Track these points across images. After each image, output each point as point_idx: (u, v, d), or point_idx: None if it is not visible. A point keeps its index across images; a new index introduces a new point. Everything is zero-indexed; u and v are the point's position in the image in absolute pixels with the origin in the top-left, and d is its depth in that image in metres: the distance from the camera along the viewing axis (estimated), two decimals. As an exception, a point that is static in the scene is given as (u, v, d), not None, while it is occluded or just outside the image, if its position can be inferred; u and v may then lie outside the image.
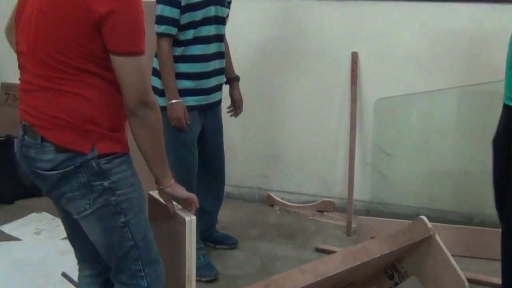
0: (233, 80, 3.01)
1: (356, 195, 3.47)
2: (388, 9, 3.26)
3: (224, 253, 3.13)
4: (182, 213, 1.85)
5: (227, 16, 2.84)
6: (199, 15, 2.64)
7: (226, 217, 3.35)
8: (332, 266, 2.14)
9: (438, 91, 3.26)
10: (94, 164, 1.64)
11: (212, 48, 2.74)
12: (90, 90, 1.62)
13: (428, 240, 2.42)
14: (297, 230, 3.41)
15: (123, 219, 1.71)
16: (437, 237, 2.41)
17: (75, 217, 1.71)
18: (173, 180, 1.80)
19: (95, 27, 1.55)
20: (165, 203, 1.85)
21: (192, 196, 1.85)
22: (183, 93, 2.70)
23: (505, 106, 2.39)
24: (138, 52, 1.59)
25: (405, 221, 3.06)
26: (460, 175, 3.35)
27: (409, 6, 3.22)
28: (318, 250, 3.15)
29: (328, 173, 3.64)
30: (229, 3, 2.84)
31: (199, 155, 2.88)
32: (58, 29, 1.56)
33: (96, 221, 1.70)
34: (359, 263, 2.18)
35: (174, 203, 1.87)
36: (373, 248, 2.26)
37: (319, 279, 2.08)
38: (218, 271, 2.88)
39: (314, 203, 3.64)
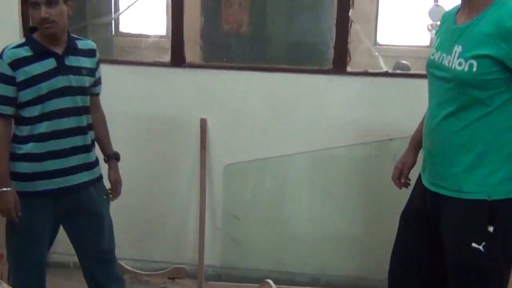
0: (108, 159, 2.73)
1: (207, 261, 3.46)
2: (234, 78, 3.38)
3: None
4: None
5: (91, 85, 2.56)
6: (43, 88, 2.37)
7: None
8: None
9: (285, 156, 3.39)
10: None
11: (67, 123, 2.44)
12: None
13: (274, 303, 2.46)
14: (146, 299, 3.32)
15: None
16: (283, 300, 2.46)
17: None
18: None
19: None
20: None
21: None
22: (34, 177, 2.41)
23: (429, 191, 2.12)
24: None
25: (255, 285, 3.11)
26: (307, 238, 3.47)
27: (252, 75, 3.35)
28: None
29: (179, 239, 3.60)
30: (91, 70, 2.53)
31: (82, 257, 2.68)
32: None
33: None
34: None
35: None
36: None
37: None
38: None
39: (165, 271, 3.57)
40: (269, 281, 2.49)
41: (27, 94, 2.36)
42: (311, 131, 3.37)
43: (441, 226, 2.06)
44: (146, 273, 3.59)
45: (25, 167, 2.42)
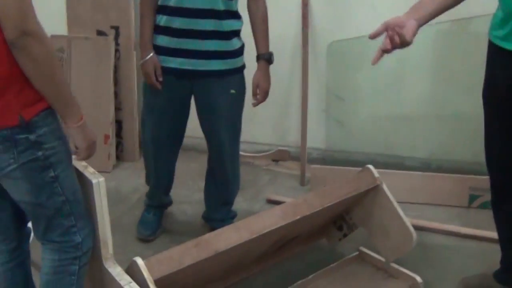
0: (258, 59, 2.49)
1: (311, 143, 3.35)
2: None
3: (172, 207, 3.00)
4: (89, 175, 1.72)
5: None
6: None
7: (178, 169, 3.20)
8: (269, 222, 2.02)
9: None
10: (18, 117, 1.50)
11: (202, 2, 2.27)
12: None
13: (375, 190, 2.31)
14: (249, 181, 3.29)
15: (52, 174, 1.60)
16: (384, 187, 2.30)
17: None
18: (79, 123, 1.59)
19: None
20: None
21: (91, 150, 1.67)
22: (159, 50, 2.37)
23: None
24: None
25: (360, 169, 2.96)
26: (417, 119, 3.23)
27: None
28: (270, 202, 3.04)
29: (282, 121, 3.50)
30: None
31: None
32: None
33: (23, 177, 1.57)
34: (298, 217, 2.07)
35: (82, 163, 1.75)
36: (314, 202, 2.14)
37: (254, 236, 1.97)
38: (153, 232, 2.72)
39: (268, 153, 3.52)
40: (370, 167, 2.32)
41: None
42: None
43: None
44: (250, 154, 3.55)
45: (157, 39, 2.38)
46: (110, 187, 3.16)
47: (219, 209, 2.74)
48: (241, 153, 3.51)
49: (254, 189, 3.20)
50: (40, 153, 1.56)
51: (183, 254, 1.84)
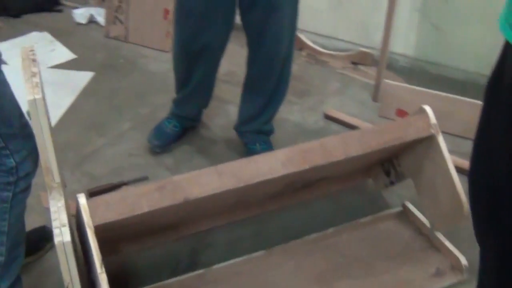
0: None
1: (398, 48, 2.77)
2: None
3: (220, 107, 2.61)
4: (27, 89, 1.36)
5: None
6: None
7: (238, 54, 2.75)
8: (264, 169, 1.57)
9: None
10: None
11: None
12: None
13: (429, 139, 1.76)
14: (316, 86, 2.78)
15: None
16: (440, 139, 1.74)
17: None
18: None
19: None
20: None
21: None
22: None
23: None
24: None
25: (443, 94, 2.37)
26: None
27: None
28: (327, 118, 2.54)
29: (370, 17, 2.87)
30: None
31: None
32: None
33: None
34: (307, 167, 1.61)
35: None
36: (335, 149, 1.65)
37: (241, 185, 1.56)
38: (162, 145, 2.31)
39: (348, 53, 2.95)
40: (428, 109, 1.75)
41: None
42: None
43: None
44: (327, 52, 3.00)
45: None
46: (160, 71, 2.85)
47: (250, 123, 2.27)
48: (317, 48, 3.01)
49: (316, 97, 2.70)
50: None
51: (140, 198, 1.48)
